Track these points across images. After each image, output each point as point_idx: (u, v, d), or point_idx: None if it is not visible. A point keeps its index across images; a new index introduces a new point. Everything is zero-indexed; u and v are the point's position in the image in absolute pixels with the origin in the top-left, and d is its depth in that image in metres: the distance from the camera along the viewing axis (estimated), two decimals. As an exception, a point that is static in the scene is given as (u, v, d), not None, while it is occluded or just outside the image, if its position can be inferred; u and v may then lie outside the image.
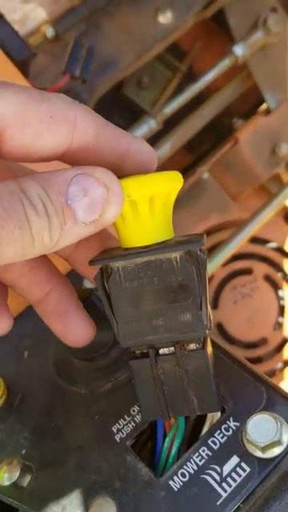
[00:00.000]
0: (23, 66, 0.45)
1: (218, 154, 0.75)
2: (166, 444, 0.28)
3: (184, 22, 0.71)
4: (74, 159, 0.24)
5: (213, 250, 0.71)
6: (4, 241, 0.20)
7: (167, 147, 0.72)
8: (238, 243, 0.71)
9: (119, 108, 0.84)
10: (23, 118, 0.22)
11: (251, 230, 0.71)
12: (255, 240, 0.78)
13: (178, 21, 0.70)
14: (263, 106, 0.82)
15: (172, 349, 0.26)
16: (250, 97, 0.85)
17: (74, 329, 0.29)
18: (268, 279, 0.79)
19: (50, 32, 0.64)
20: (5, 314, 0.28)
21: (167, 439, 0.28)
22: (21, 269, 0.28)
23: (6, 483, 0.30)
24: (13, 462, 0.31)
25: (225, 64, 0.75)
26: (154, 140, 0.74)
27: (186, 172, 0.81)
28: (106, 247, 0.28)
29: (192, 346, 0.26)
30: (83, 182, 0.22)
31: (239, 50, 0.76)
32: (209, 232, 0.77)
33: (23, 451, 0.31)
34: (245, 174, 0.76)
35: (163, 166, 0.75)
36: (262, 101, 0.82)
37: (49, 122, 0.23)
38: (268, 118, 0.77)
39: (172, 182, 0.25)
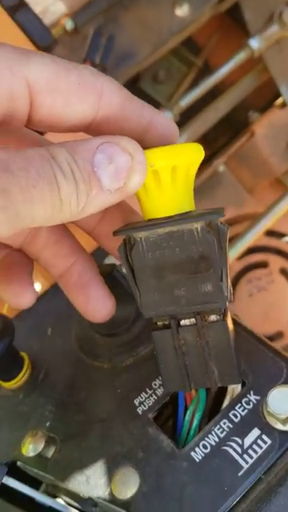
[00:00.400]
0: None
1: (233, 147, 0.76)
2: (188, 417, 0.29)
3: (200, 14, 0.72)
4: (98, 130, 0.25)
5: (230, 242, 0.72)
6: (35, 200, 0.20)
7: (182, 140, 0.73)
8: (254, 236, 0.71)
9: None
10: (54, 85, 0.23)
11: (267, 223, 0.71)
12: (271, 233, 0.78)
13: (195, 13, 0.71)
14: (279, 100, 0.82)
15: (193, 320, 0.27)
16: (265, 90, 0.85)
17: (95, 303, 0.29)
18: (284, 272, 0.79)
19: (69, 25, 0.65)
20: (30, 287, 0.29)
21: (188, 412, 0.29)
22: (46, 241, 0.29)
23: (31, 454, 0.31)
24: (37, 434, 0.32)
25: (240, 57, 0.76)
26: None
27: (201, 166, 0.82)
28: (128, 222, 0.29)
29: (213, 318, 0.27)
30: (109, 150, 0.22)
31: (255, 43, 0.76)
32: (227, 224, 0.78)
33: (47, 423, 0.32)
34: (260, 167, 0.76)
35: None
36: (278, 95, 0.82)
37: (77, 90, 0.23)
38: (284, 111, 0.77)
39: (194, 153, 0.25)
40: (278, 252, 0.80)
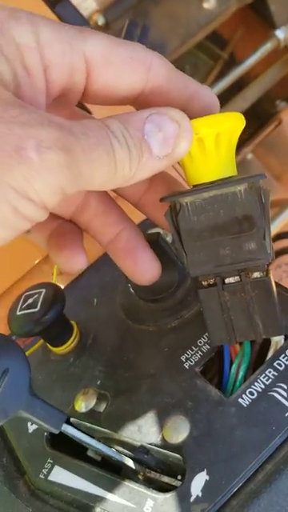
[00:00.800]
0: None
1: (261, 135, 0.77)
2: (233, 370, 0.30)
3: (227, 7, 0.73)
4: (147, 102, 0.27)
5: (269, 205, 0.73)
6: (95, 162, 0.22)
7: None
8: (282, 222, 0.73)
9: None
10: (108, 59, 0.25)
11: (295, 208, 0.73)
12: (299, 219, 0.79)
13: (222, 6, 0.73)
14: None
15: (237, 278, 0.28)
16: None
17: (142, 265, 0.31)
18: (312, 258, 0.80)
19: (101, 20, 0.67)
20: (81, 251, 0.31)
21: (234, 365, 0.30)
22: (95, 211, 0.31)
23: (84, 410, 0.33)
24: (89, 392, 0.34)
25: (267, 48, 0.77)
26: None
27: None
28: (173, 191, 0.31)
29: (256, 275, 0.28)
30: (158, 120, 0.24)
31: (281, 34, 0.78)
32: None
33: (98, 382, 0.34)
34: (288, 155, 0.78)
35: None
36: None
37: (129, 63, 0.25)
38: (311, 99, 0.78)
39: (236, 121, 0.27)
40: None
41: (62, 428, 0.29)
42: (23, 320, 0.34)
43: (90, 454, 0.34)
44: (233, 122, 0.27)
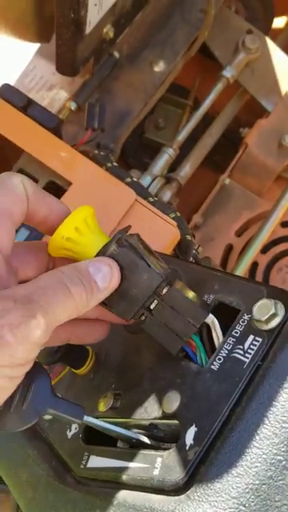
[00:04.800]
0: (56, 132, 0.60)
1: (233, 161, 0.87)
2: (199, 358, 0.38)
3: (175, 65, 0.86)
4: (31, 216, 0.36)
5: (250, 240, 0.81)
6: (59, 306, 0.31)
7: (187, 167, 0.85)
8: (270, 229, 0.81)
9: (145, 150, 0.99)
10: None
11: (278, 215, 0.81)
12: (286, 224, 0.87)
13: (170, 66, 0.85)
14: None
15: (155, 300, 0.36)
16: (252, 107, 0.97)
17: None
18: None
19: (73, 105, 0.80)
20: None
21: (198, 355, 0.38)
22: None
23: (105, 409, 0.42)
24: (107, 395, 0.43)
25: (219, 88, 0.89)
26: (176, 164, 0.87)
27: (210, 184, 0.93)
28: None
29: (164, 291, 0.36)
30: (96, 265, 0.34)
31: (228, 73, 0.89)
32: (245, 227, 0.88)
33: (113, 385, 0.43)
34: (261, 172, 0.87)
35: (189, 184, 0.87)
36: (261, 108, 0.94)
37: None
38: (269, 119, 0.88)
39: (83, 210, 0.36)
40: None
41: (84, 419, 0.37)
42: (45, 351, 0.44)
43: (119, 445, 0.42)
44: (82, 212, 0.36)
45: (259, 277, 0.84)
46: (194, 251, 0.62)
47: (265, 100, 0.91)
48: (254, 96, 0.92)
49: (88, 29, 0.68)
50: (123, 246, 0.35)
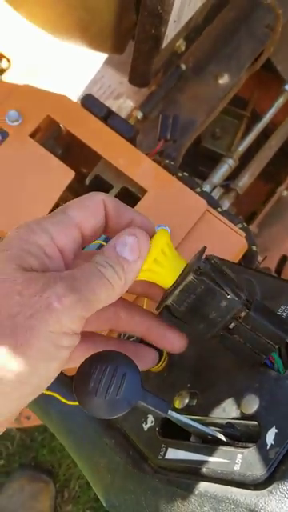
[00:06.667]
0: (132, 141, 0.64)
1: (291, 174, 0.89)
2: (276, 367, 0.41)
3: (239, 79, 0.88)
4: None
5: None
6: (96, 288, 0.33)
7: (246, 178, 0.88)
8: None
9: (201, 159, 1.02)
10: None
11: None
12: None
13: (234, 79, 0.88)
14: None
15: (233, 323, 0.39)
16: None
17: (173, 343, 0.43)
18: None
19: (139, 115, 0.84)
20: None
21: (275, 365, 0.41)
22: (125, 318, 0.42)
23: (181, 406, 0.45)
24: (182, 394, 0.46)
25: (280, 101, 0.91)
26: (235, 174, 0.90)
27: (267, 199, 0.95)
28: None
29: (243, 314, 0.38)
30: (121, 240, 0.36)
31: (290, 88, 0.91)
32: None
33: (188, 385, 0.46)
34: None
35: (246, 194, 0.90)
36: None
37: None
38: None
39: (165, 233, 0.38)
40: None
41: (168, 413, 0.40)
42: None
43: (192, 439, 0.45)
44: (165, 235, 0.39)
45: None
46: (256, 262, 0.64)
47: None
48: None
49: (164, 43, 0.71)
50: (201, 275, 0.37)
